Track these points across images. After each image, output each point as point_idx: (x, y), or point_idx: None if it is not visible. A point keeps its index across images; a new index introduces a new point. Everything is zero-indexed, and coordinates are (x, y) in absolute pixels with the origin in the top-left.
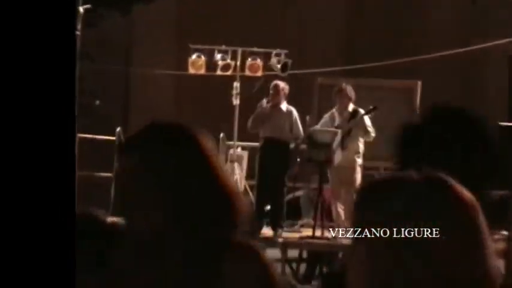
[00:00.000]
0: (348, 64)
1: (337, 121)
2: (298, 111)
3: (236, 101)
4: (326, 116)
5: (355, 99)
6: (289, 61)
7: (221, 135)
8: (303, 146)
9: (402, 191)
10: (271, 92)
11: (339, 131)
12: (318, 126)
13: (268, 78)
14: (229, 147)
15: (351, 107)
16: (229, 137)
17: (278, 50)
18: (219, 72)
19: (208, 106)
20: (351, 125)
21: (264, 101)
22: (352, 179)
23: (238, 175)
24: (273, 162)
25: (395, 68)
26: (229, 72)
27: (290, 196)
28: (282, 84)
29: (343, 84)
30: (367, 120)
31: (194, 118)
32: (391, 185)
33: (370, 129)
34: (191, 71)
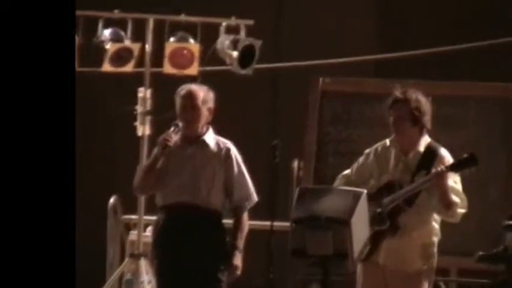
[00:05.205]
0: (382, 50)
1: (391, 167)
2: (280, 148)
3: (144, 129)
4: (369, 153)
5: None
6: (258, 43)
7: (111, 200)
8: (288, 225)
9: None
10: (178, 107)
11: (363, 192)
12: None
13: (211, 79)
14: (129, 225)
15: (424, 141)
16: (129, 205)
17: (233, 20)
18: (107, 68)
19: (85, 139)
20: (420, 183)
21: (171, 130)
22: None
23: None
24: (188, 259)
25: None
26: (129, 67)
27: None
28: (202, 93)
29: (401, 92)
30: (454, 179)
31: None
32: None
33: (457, 198)
34: None
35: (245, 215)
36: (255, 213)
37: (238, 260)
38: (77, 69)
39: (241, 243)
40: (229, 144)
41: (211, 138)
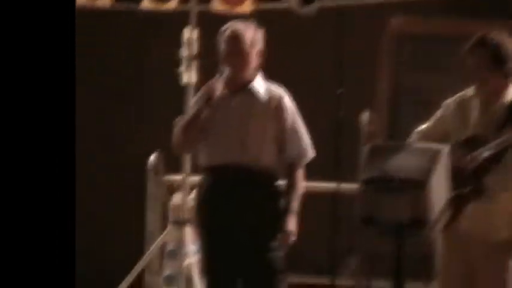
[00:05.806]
0: None
1: (474, 120)
2: (346, 98)
3: (190, 76)
4: (449, 104)
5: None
6: None
7: (151, 158)
8: (356, 187)
9: None
10: (222, 52)
11: (444, 149)
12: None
13: (267, 19)
14: (172, 187)
15: None
16: (173, 164)
17: None
18: (146, 4)
19: (119, 89)
20: (508, 138)
21: (216, 79)
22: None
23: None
24: (239, 226)
25: None
26: (172, 4)
27: None
28: (249, 33)
29: (481, 34)
30: None
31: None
32: None
33: None
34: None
35: (300, 173)
36: (317, 174)
37: (292, 224)
38: (112, 6)
39: (295, 205)
40: (281, 91)
41: (260, 85)
